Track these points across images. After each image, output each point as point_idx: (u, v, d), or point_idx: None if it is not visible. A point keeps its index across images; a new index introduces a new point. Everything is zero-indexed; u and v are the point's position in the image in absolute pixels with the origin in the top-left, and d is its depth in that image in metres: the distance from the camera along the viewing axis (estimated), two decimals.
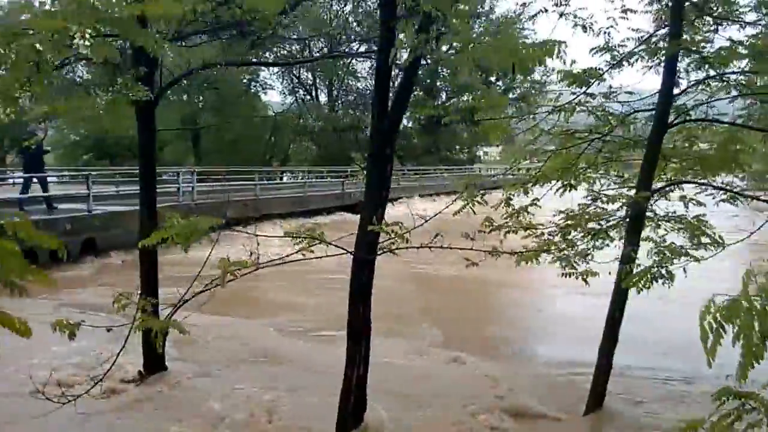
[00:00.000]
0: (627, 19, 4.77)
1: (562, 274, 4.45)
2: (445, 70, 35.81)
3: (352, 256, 3.80)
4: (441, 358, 6.59)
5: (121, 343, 4.26)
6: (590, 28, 4.69)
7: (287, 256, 3.50)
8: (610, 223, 4.90)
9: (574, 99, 4.99)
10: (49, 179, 12.64)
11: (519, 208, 5.01)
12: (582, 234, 4.74)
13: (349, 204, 21.37)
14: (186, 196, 14.37)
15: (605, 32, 4.77)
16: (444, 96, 38.43)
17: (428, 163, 35.12)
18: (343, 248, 3.58)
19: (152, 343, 4.63)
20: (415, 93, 38.24)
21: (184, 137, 34.31)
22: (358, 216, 4.03)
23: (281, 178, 31.49)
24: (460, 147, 38.06)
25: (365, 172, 3.89)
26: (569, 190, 5.15)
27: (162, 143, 34.65)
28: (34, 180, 11.86)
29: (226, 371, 5.78)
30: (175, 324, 3.17)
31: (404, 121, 43.62)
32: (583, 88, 4.93)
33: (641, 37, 4.97)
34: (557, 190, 5.18)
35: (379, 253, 3.76)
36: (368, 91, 33.97)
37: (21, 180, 12.39)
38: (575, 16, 4.64)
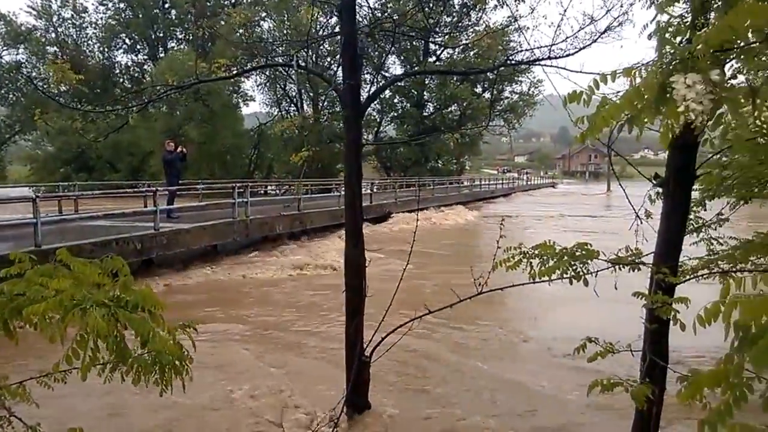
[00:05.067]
0: None
1: None
2: (433, 81, 35.78)
3: None
4: None
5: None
6: None
7: None
8: None
9: None
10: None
11: None
12: None
13: (377, 216, 20.36)
14: (241, 211, 13.32)
15: None
16: (431, 107, 38.26)
17: (416, 173, 34.82)
18: None
19: (360, 379, 4.58)
20: (404, 105, 38.10)
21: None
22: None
23: (266, 192, 30.73)
24: (448, 157, 37.86)
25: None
26: None
27: (145, 155, 33.82)
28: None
29: (420, 404, 5.37)
30: None
31: (392, 132, 43.04)
32: None
33: None
34: None
35: None
36: None
37: None
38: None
